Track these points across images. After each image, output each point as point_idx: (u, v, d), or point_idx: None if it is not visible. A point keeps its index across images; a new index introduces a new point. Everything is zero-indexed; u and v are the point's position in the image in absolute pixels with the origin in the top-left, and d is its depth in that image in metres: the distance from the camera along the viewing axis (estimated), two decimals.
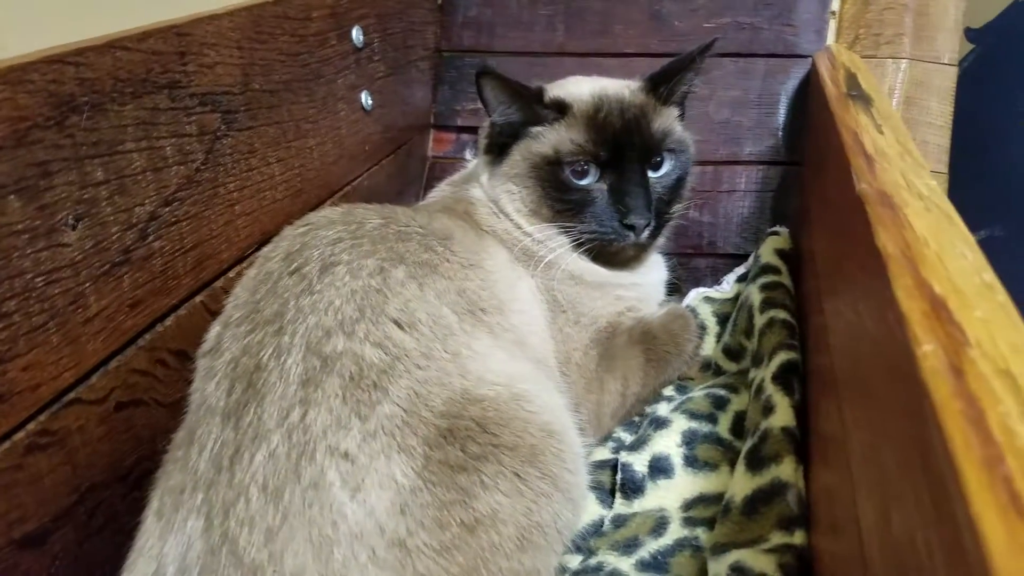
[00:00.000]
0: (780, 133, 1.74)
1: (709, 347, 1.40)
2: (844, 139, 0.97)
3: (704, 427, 1.16)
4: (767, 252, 1.40)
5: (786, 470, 0.92)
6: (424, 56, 1.85)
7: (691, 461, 1.12)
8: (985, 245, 0.68)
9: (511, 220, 1.27)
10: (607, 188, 1.23)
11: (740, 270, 1.57)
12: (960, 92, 1.65)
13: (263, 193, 1.21)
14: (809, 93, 1.64)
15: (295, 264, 0.97)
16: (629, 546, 1.01)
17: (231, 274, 1.14)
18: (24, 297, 0.78)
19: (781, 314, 1.20)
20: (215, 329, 0.97)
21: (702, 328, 1.41)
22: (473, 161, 1.48)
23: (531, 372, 1.03)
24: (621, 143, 1.21)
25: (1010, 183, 2.00)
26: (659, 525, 1.04)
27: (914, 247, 0.62)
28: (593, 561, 1.00)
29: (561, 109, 1.24)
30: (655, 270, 1.41)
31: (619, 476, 1.12)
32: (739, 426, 1.15)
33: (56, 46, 0.83)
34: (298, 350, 0.87)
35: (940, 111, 1.64)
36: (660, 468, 1.11)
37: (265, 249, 1.06)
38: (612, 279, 1.29)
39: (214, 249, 1.10)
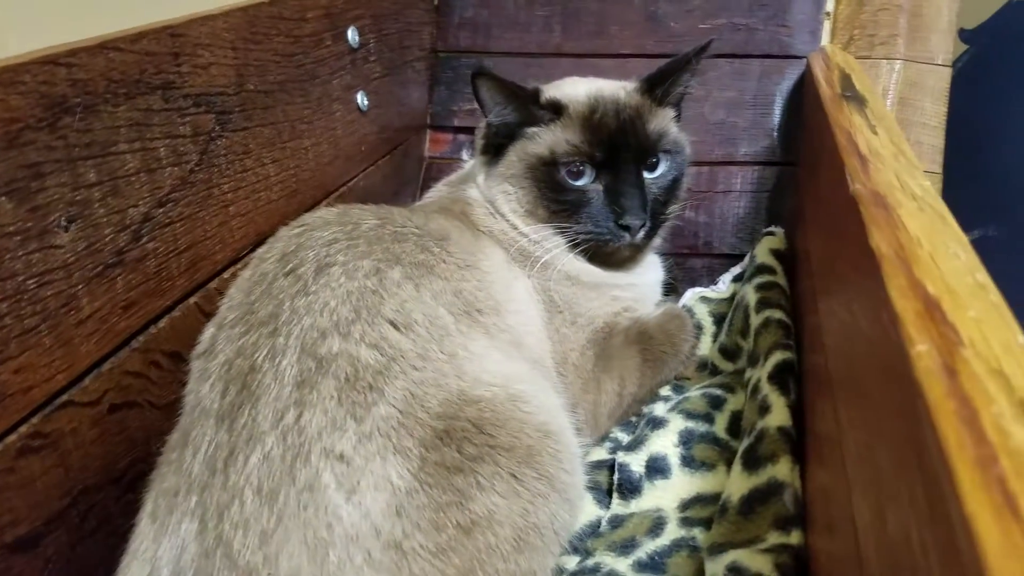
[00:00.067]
0: (775, 134, 1.74)
1: (705, 347, 1.40)
2: (838, 140, 0.97)
3: (701, 427, 1.16)
4: (763, 252, 1.41)
5: (782, 470, 0.93)
6: (420, 57, 1.85)
7: (688, 461, 1.12)
8: (979, 245, 0.68)
9: (507, 220, 1.27)
10: (603, 189, 1.23)
11: (736, 270, 1.58)
12: (954, 93, 1.66)
13: (258, 194, 1.21)
14: (804, 94, 1.65)
15: (290, 265, 0.96)
16: (626, 547, 1.01)
17: (225, 275, 1.14)
18: (16, 299, 0.77)
19: (777, 314, 1.21)
20: (209, 331, 0.96)
21: (698, 328, 1.42)
22: (470, 162, 1.48)
23: (527, 373, 1.03)
24: (616, 144, 1.21)
25: (1004, 183, 2.01)
26: (656, 525, 1.04)
27: (908, 247, 0.62)
28: (590, 562, 1.00)
29: (557, 110, 1.24)
30: (651, 270, 1.41)
31: (616, 476, 1.12)
32: (735, 426, 1.16)
33: (48, 47, 0.82)
34: (293, 351, 0.87)
35: (934, 112, 1.65)
36: (657, 468, 1.12)
37: (260, 250, 1.06)
38: (608, 279, 1.30)
39: (208, 250, 1.10)
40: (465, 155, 1.90)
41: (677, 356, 1.31)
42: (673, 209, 1.33)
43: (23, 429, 0.80)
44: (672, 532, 1.03)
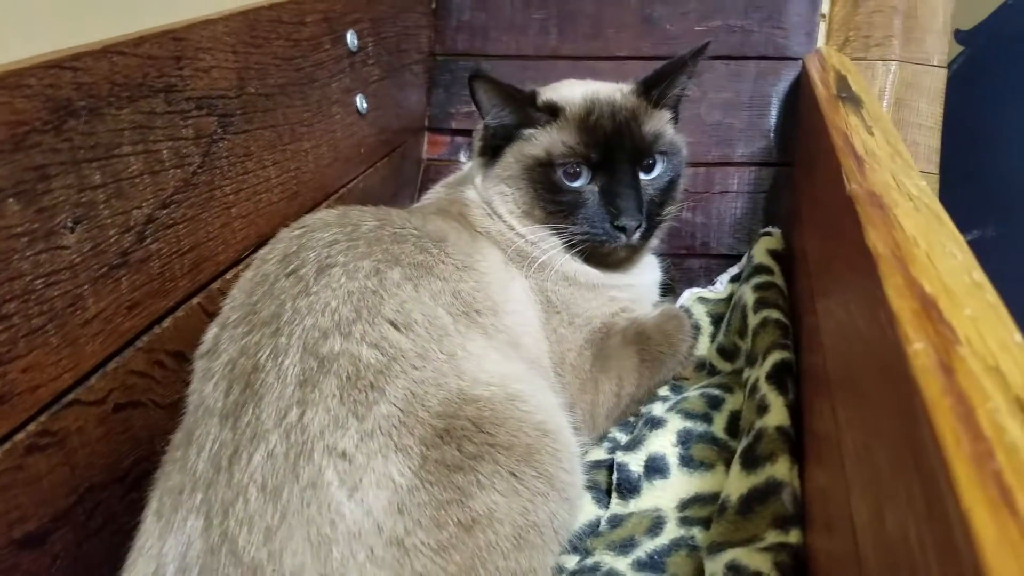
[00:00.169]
0: (771, 135, 1.75)
1: (703, 347, 1.41)
2: (834, 140, 0.98)
3: (699, 427, 1.17)
4: (760, 252, 1.41)
5: (781, 469, 0.93)
6: (418, 60, 1.86)
7: (687, 461, 1.12)
8: (976, 246, 0.69)
9: (504, 221, 1.27)
10: (598, 190, 1.23)
11: (733, 270, 1.58)
12: (950, 94, 1.66)
13: (259, 196, 1.22)
14: (800, 95, 1.65)
15: (292, 266, 0.97)
16: (626, 546, 1.02)
17: (228, 276, 1.15)
18: (24, 299, 0.78)
19: (774, 314, 1.21)
20: (212, 331, 0.97)
21: (696, 328, 1.42)
22: (467, 163, 1.49)
23: (525, 372, 1.04)
24: (612, 145, 1.22)
25: (1000, 184, 2.01)
26: (655, 525, 1.05)
27: (904, 247, 0.63)
28: (590, 561, 1.00)
29: (553, 112, 1.25)
30: (648, 271, 1.41)
31: (615, 476, 1.13)
32: (734, 426, 1.16)
33: (53, 51, 0.83)
34: (295, 351, 0.87)
35: (930, 112, 1.65)
36: (656, 468, 1.12)
37: (262, 251, 1.06)
38: (605, 280, 1.30)
39: (211, 251, 1.11)
40: (463, 157, 1.90)
41: (675, 356, 1.31)
42: (670, 210, 1.33)
43: (31, 427, 0.80)
44: (671, 531, 1.03)
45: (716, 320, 1.44)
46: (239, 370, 0.88)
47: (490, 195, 1.29)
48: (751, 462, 0.97)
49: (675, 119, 1.35)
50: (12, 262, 0.77)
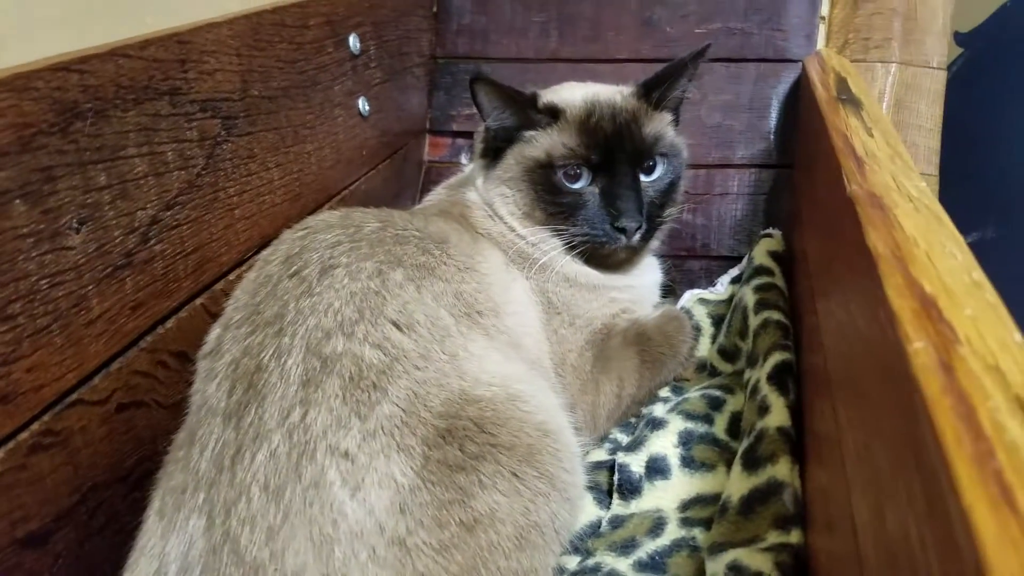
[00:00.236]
0: (771, 136, 1.75)
1: (704, 348, 1.41)
2: (835, 142, 0.98)
3: (700, 428, 1.17)
4: (760, 254, 1.41)
5: (782, 470, 0.93)
6: (420, 63, 1.86)
7: (688, 462, 1.13)
8: (977, 247, 0.69)
9: (505, 223, 1.28)
10: (599, 191, 1.24)
11: (734, 272, 1.58)
12: (950, 96, 1.67)
13: (262, 197, 1.22)
14: (800, 97, 1.66)
15: (295, 267, 0.97)
16: (627, 547, 1.02)
17: (231, 277, 1.15)
18: (29, 299, 0.79)
19: (775, 315, 1.22)
20: (215, 331, 0.97)
21: (697, 329, 1.42)
22: (469, 166, 1.49)
23: (526, 373, 1.04)
24: (612, 147, 1.22)
25: (1001, 185, 2.01)
26: (656, 526, 1.05)
27: (904, 247, 0.63)
28: (591, 562, 1.01)
29: (554, 114, 1.25)
30: (649, 272, 1.42)
31: (616, 477, 1.13)
32: (735, 427, 1.16)
33: (60, 54, 0.83)
34: (298, 351, 0.87)
35: (929, 114, 1.66)
36: (657, 469, 1.12)
37: (264, 252, 1.07)
38: (606, 281, 1.30)
39: (214, 252, 1.11)
40: (464, 159, 1.91)
41: (676, 357, 1.32)
42: (670, 212, 1.33)
43: (34, 427, 0.81)
44: (672, 532, 1.03)
45: (717, 321, 1.44)
46: (242, 370, 0.88)
47: (491, 197, 1.29)
48: (752, 463, 0.97)
49: (676, 121, 1.35)
50: (18, 262, 0.77)
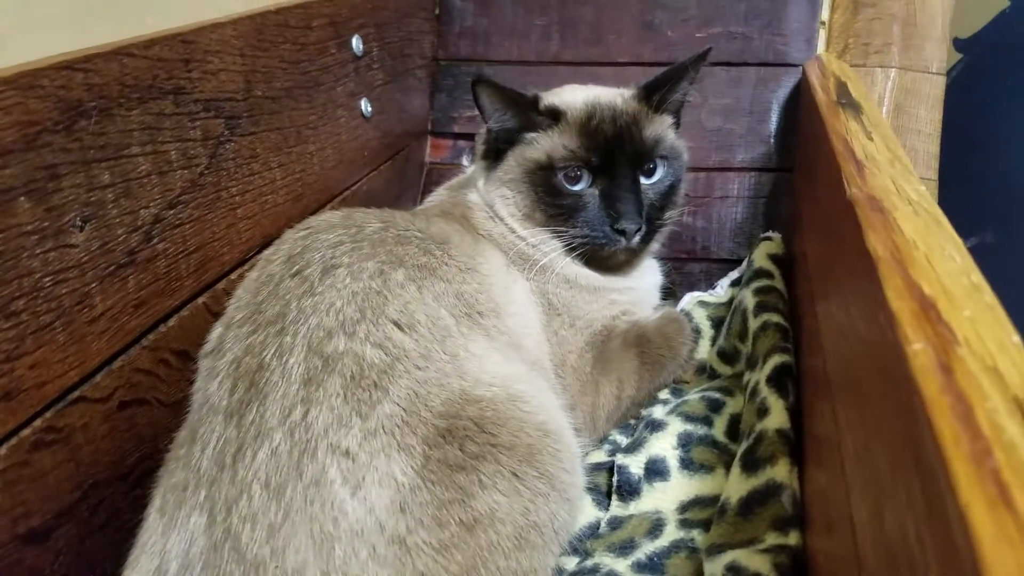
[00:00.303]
0: (771, 140, 1.75)
1: (704, 351, 1.41)
2: (835, 145, 0.98)
3: (699, 430, 1.17)
4: (760, 257, 1.42)
5: (781, 471, 0.93)
6: (422, 64, 1.87)
7: (687, 463, 1.13)
8: (976, 252, 0.69)
9: (505, 224, 1.28)
10: (599, 193, 1.24)
11: (734, 274, 1.58)
12: (949, 101, 1.67)
13: (265, 197, 1.23)
14: (800, 101, 1.66)
15: (296, 267, 0.98)
16: (625, 548, 1.02)
17: (233, 276, 1.16)
18: (32, 296, 0.79)
19: (774, 317, 1.22)
20: (217, 330, 0.98)
21: (696, 332, 1.43)
22: (470, 167, 1.50)
23: (526, 374, 1.05)
24: (613, 149, 1.23)
25: (1000, 190, 2.02)
26: (655, 527, 1.05)
27: (903, 249, 0.63)
28: (590, 563, 1.01)
29: (555, 116, 1.25)
30: (649, 274, 1.42)
31: (615, 478, 1.13)
32: (734, 429, 1.17)
33: (65, 52, 0.84)
34: (300, 350, 0.88)
35: (929, 119, 1.66)
36: (656, 470, 1.12)
37: (267, 252, 1.07)
38: (606, 283, 1.31)
39: (216, 251, 1.11)
40: (465, 161, 1.91)
41: (675, 359, 1.32)
42: (671, 214, 1.33)
43: (37, 424, 0.81)
44: (671, 534, 1.04)
45: (716, 324, 1.44)
46: (244, 369, 0.88)
47: (492, 198, 1.29)
48: (751, 464, 0.97)
49: (677, 124, 1.36)
50: (21, 260, 0.77)
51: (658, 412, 1.24)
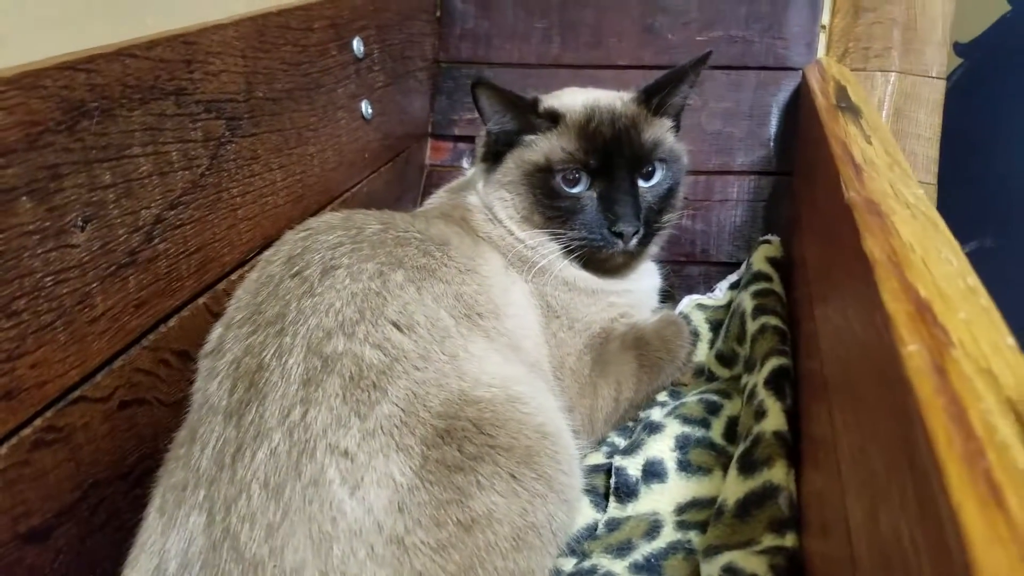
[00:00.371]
0: (771, 144, 1.76)
1: (702, 353, 1.42)
2: (834, 149, 0.98)
3: (697, 432, 1.17)
4: (759, 260, 1.42)
5: (778, 474, 0.94)
6: (422, 67, 1.87)
7: (684, 465, 1.13)
8: (975, 256, 0.70)
9: (504, 226, 1.28)
10: (597, 196, 1.24)
11: (732, 277, 1.59)
12: (949, 105, 1.67)
13: (265, 198, 1.23)
14: (800, 105, 1.66)
15: (296, 267, 0.98)
16: (623, 549, 1.02)
17: (233, 277, 1.16)
18: (33, 296, 0.79)
19: (773, 320, 1.22)
20: (217, 330, 0.98)
21: (695, 334, 1.43)
22: (470, 169, 1.50)
23: (525, 375, 1.05)
24: (611, 152, 1.23)
25: (1000, 194, 2.02)
26: (652, 528, 1.05)
27: (900, 252, 0.63)
28: (587, 564, 1.01)
29: (554, 118, 1.26)
30: (647, 277, 1.42)
31: (613, 480, 1.13)
32: (732, 431, 1.17)
33: (67, 53, 0.84)
34: (299, 350, 0.88)
35: (928, 123, 1.66)
36: (654, 472, 1.13)
37: (267, 253, 1.08)
38: (604, 286, 1.31)
39: (217, 252, 1.12)
40: (465, 163, 1.91)
41: (674, 362, 1.32)
42: (669, 217, 1.34)
43: (37, 423, 0.81)
44: (668, 535, 1.04)
45: (715, 327, 1.44)
46: (243, 369, 0.89)
47: (491, 200, 1.30)
48: (748, 466, 0.97)
49: (677, 128, 1.36)
50: (23, 259, 0.78)
51: (656, 414, 1.24)
